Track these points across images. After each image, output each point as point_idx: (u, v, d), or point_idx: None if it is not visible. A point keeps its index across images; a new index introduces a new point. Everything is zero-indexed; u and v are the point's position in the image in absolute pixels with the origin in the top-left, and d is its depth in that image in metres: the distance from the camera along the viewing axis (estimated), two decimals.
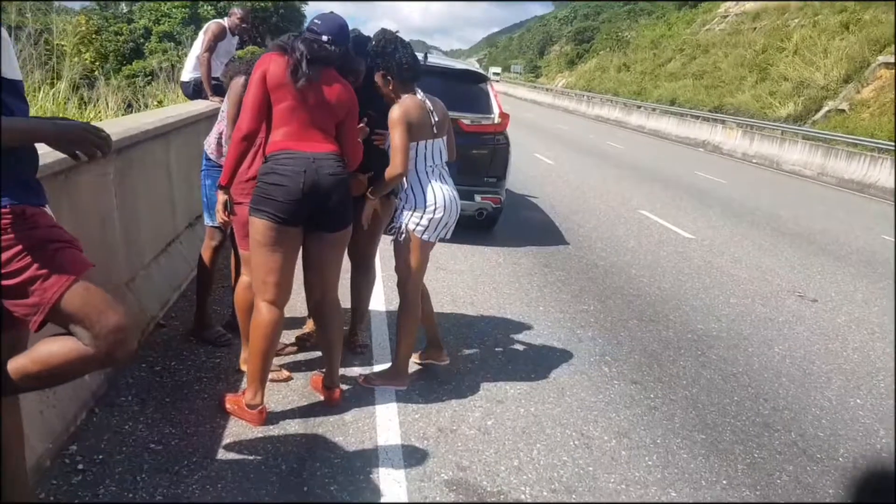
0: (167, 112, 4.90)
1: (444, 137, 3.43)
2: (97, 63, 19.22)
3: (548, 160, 14.51)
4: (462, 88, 6.56)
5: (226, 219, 3.09)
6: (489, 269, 5.96)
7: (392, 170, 3.17)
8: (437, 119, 3.33)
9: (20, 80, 1.96)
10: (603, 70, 51.76)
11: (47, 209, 2.00)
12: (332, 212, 2.94)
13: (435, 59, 6.76)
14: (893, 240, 9.40)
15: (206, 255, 3.81)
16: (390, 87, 3.25)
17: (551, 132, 23.34)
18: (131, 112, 8.65)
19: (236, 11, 6.04)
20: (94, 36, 19.56)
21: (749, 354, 4.67)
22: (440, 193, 3.35)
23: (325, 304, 3.18)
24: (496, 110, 6.48)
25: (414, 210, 3.32)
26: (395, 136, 3.15)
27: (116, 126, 3.78)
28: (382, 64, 3.20)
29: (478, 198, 6.44)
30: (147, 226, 4.11)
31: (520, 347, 4.32)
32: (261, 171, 2.92)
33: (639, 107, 32.31)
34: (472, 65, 8.35)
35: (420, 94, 3.30)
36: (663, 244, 7.76)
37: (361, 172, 3.28)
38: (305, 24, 3.11)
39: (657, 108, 30.44)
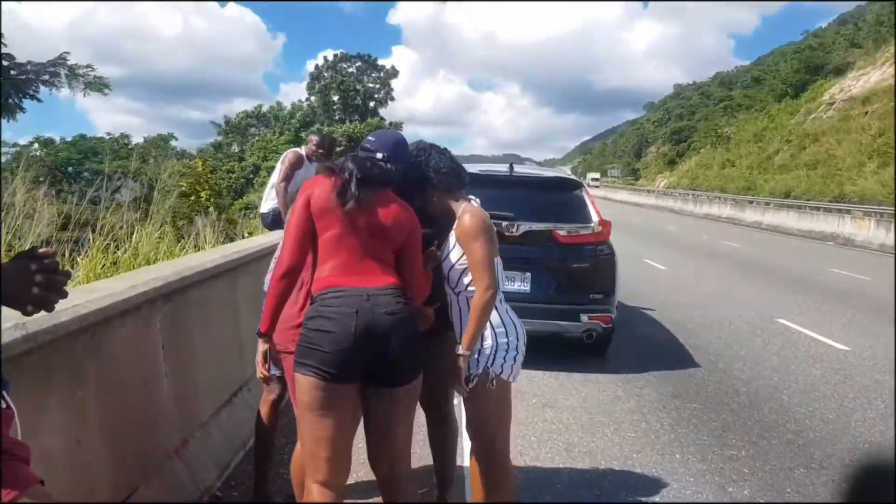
0: (234, 247, 4.55)
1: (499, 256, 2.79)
2: (211, 199, 20.36)
3: (660, 265, 13.44)
4: (554, 197, 6.00)
5: (265, 373, 2.53)
6: (607, 405, 5.02)
7: (484, 293, 2.50)
8: (495, 231, 2.72)
9: None
10: (706, 167, 50.68)
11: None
12: (394, 361, 2.32)
13: (522, 169, 6.27)
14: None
15: (265, 411, 3.23)
16: (435, 200, 2.69)
17: (659, 234, 22.19)
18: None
19: (313, 138, 5.85)
20: (209, 175, 20.84)
21: None
22: (518, 322, 2.71)
23: (394, 480, 2.49)
24: (595, 218, 5.80)
25: (497, 348, 2.62)
26: (478, 250, 2.53)
27: (169, 268, 3.39)
28: (418, 174, 2.66)
29: (584, 317, 5.62)
30: (206, 376, 3.62)
31: None
32: (306, 315, 2.36)
33: (751, 202, 30.74)
34: (562, 172, 7.79)
35: (476, 202, 2.73)
36: (815, 360, 6.50)
37: (427, 304, 2.68)
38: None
39: (771, 203, 28.84)
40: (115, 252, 6.20)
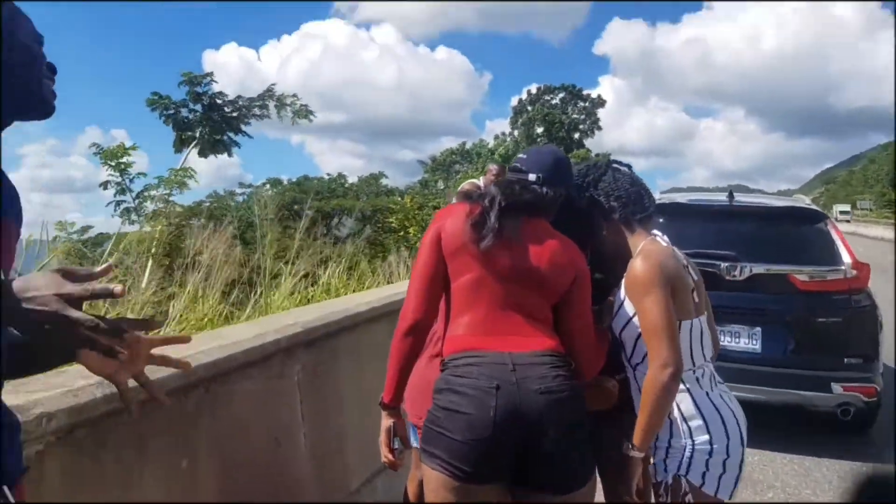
0: (399, 287, 4.17)
1: (705, 314, 1.96)
2: (419, 235, 21.15)
3: None
4: (790, 232, 4.88)
5: (391, 458, 1.97)
6: None
7: (658, 371, 1.75)
8: (696, 278, 1.95)
9: None
10: None
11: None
12: (553, 457, 1.66)
13: (746, 198, 5.24)
14: None
15: (412, 490, 2.71)
16: (605, 234, 2.00)
17: None
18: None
19: (492, 168, 5.31)
20: (416, 212, 21.68)
21: None
22: (730, 412, 1.87)
23: None
24: (847, 259, 4.56)
25: (693, 450, 1.82)
26: (651, 309, 1.78)
27: (314, 311, 3.05)
28: (587, 199, 2.01)
29: (837, 388, 4.33)
30: (359, 436, 3.18)
31: None
32: (435, 385, 1.79)
33: None
34: (800, 200, 6.44)
35: (664, 240, 1.97)
36: None
37: (610, 374, 2.01)
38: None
39: None
40: (308, 288, 6.25)
